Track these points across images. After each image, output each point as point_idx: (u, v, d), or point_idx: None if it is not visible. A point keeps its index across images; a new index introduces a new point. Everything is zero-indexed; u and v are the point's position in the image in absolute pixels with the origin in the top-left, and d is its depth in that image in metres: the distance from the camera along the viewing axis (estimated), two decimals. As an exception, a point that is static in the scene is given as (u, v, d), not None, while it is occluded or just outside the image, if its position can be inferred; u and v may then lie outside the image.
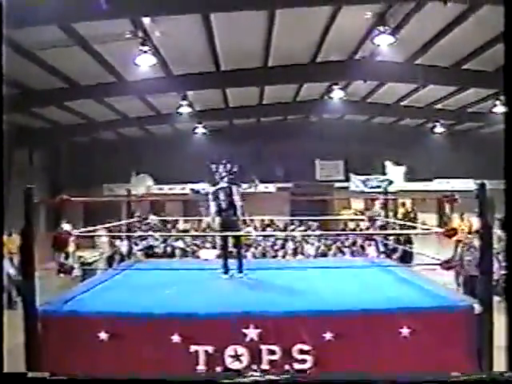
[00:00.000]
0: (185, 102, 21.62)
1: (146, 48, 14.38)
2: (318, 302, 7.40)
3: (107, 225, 10.54)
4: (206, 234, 18.57)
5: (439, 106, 24.57)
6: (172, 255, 16.17)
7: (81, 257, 14.88)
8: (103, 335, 6.65)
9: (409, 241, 19.33)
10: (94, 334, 6.65)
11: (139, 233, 16.00)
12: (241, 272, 9.02)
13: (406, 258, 14.10)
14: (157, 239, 16.86)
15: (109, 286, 8.65)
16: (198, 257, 15.50)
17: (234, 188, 9.36)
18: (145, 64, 15.20)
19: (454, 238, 16.84)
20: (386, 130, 29.17)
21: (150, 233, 17.87)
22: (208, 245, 16.35)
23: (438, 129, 29.41)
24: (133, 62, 14.99)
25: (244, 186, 9.38)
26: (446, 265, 7.89)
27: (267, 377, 2.85)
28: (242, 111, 25.37)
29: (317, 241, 16.68)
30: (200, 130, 28.45)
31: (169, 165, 28.41)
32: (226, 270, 9.04)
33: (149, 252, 15.50)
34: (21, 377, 3.06)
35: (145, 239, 16.29)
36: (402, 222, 19.21)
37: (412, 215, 27.31)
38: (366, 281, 8.97)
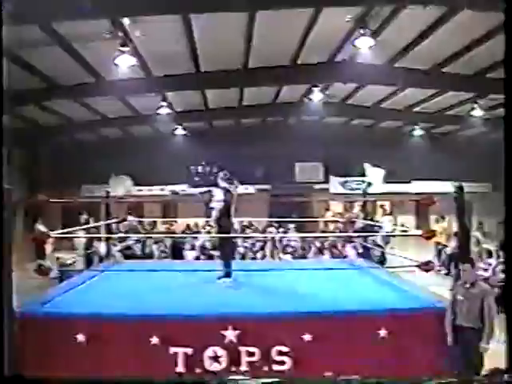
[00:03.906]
0: (164, 103, 21.54)
1: (125, 48, 14.31)
2: (297, 303, 7.44)
3: (85, 226, 10.49)
4: (185, 236, 18.53)
5: (418, 108, 24.76)
6: (151, 257, 16.11)
7: (59, 258, 14.74)
8: (81, 337, 6.63)
9: (386, 242, 19.55)
10: (71, 336, 6.62)
11: (118, 234, 15.92)
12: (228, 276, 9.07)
13: (383, 260, 14.23)
14: (136, 240, 16.78)
15: (87, 288, 8.61)
16: (184, 257, 15.47)
17: (219, 190, 9.34)
18: (124, 64, 15.13)
19: (436, 240, 17.11)
20: (365, 132, 29.30)
21: (129, 234, 17.79)
22: (187, 246, 16.30)
23: (417, 131, 29.61)
24: (112, 62, 14.92)
25: (224, 186, 9.36)
26: (425, 266, 7.97)
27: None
28: (221, 113, 25.34)
29: (296, 243, 16.70)
30: (180, 131, 28.36)
31: (148, 166, 28.27)
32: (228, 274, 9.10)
33: (127, 253, 15.40)
34: (20, 379, 3.10)
35: (123, 240, 16.19)
36: (379, 224, 19.38)
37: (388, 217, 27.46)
38: (344, 283, 9.03)
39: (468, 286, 7.03)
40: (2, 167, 4.56)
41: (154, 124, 25.88)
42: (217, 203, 9.19)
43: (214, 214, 9.14)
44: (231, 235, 9.83)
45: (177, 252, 16.26)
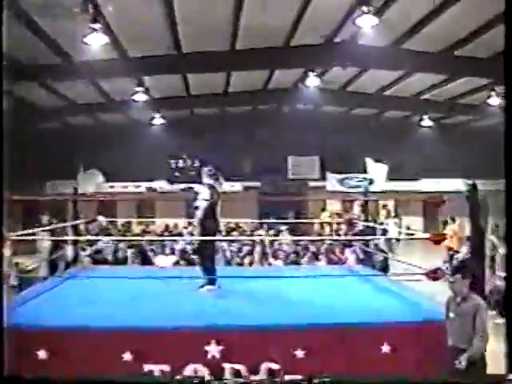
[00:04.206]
0: (141, 88, 21.44)
1: (96, 25, 14.20)
2: (289, 315, 7.42)
3: (50, 227, 10.43)
4: (163, 239, 18.45)
5: (427, 96, 24.82)
6: (124, 262, 16.02)
7: (18, 263, 14.63)
8: (42, 354, 6.57)
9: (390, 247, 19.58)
10: (31, 352, 6.56)
11: (86, 236, 15.83)
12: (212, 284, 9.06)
13: (386, 267, 14.24)
14: (107, 244, 16.69)
15: (51, 297, 8.55)
16: (153, 264, 15.38)
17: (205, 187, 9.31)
18: (95, 44, 15.01)
19: (446, 244, 17.14)
20: (367, 122, 29.35)
21: (100, 237, 17.69)
22: (166, 251, 16.24)
23: (426, 122, 29.65)
24: (82, 41, 14.81)
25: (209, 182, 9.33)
26: (434, 275, 7.97)
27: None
28: (205, 99, 25.30)
29: (289, 247, 16.68)
30: (158, 120, 28.27)
31: (122, 159, 28.20)
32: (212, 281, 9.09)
33: (97, 258, 15.31)
34: (19, 380, 3.40)
35: (93, 244, 16.10)
36: (382, 226, 19.41)
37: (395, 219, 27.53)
38: (342, 291, 9.02)
39: (459, 300, 6.66)
40: (3, 166, 4.69)
41: (129, 112, 25.80)
42: (201, 202, 9.14)
43: (198, 214, 9.09)
44: (216, 238, 9.80)
45: (145, 257, 16.16)
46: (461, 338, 6.54)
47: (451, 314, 6.72)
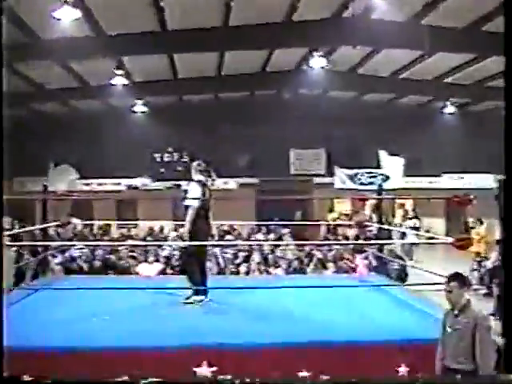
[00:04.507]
0: (120, 71, 21.41)
1: (68, -3, 14.17)
2: (291, 331, 7.40)
3: (15, 231, 10.39)
4: (147, 244, 18.45)
5: (450, 79, 24.79)
6: (101, 270, 15.99)
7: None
8: (24, 376, 6.53)
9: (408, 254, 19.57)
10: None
11: (58, 242, 15.80)
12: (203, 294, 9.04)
13: (404, 276, 14.22)
14: (82, 250, 16.66)
15: (15, 313, 8.50)
16: (136, 273, 15.37)
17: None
18: (66, 18, 14.94)
19: (472, 250, 17.10)
20: (381, 110, 29.31)
21: (74, 242, 17.67)
22: (150, 258, 16.21)
23: (449, 109, 29.64)
24: (50, 16, 14.75)
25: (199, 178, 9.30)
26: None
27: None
28: (194, 84, 25.24)
29: (291, 253, 16.66)
30: (140, 107, 28.25)
31: (99, 153, 28.18)
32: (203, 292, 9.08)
33: (71, 266, 15.28)
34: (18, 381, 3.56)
35: (66, 250, 16.07)
36: (398, 229, 19.39)
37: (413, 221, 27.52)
38: (353, 305, 9.00)
39: (456, 312, 6.51)
40: (2, 164, 4.89)
41: (107, 98, 25.77)
42: (191, 202, 9.10)
43: (188, 215, 9.05)
44: (208, 243, 9.79)
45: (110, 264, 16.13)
46: (455, 357, 6.39)
47: (448, 329, 6.59)
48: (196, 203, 9.02)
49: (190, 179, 9.42)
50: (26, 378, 3.62)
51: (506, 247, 5.35)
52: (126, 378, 5.84)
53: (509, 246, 5.13)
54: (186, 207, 9.15)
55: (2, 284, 5.73)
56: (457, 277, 6.75)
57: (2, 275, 5.52)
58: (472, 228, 19.59)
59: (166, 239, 19.73)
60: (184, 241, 9.38)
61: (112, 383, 3.84)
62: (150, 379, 3.05)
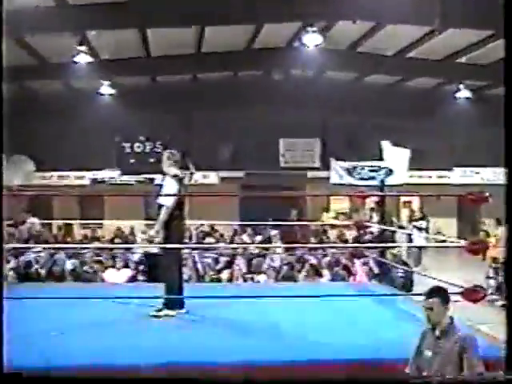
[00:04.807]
0: (83, 48, 21.28)
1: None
2: (279, 348, 7.39)
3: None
4: (114, 247, 18.39)
5: (464, 59, 24.80)
6: (62, 277, 15.94)
7: None
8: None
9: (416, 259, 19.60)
10: None
11: (11, 244, 15.73)
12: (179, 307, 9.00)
13: (410, 285, 14.24)
14: (39, 254, 16.61)
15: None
16: (102, 280, 15.34)
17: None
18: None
19: (488, 254, 17.13)
20: (384, 94, 29.37)
21: (29, 244, 17.60)
22: (118, 263, 16.18)
23: (463, 93, 29.62)
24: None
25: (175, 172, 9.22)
26: (472, 295, 7.93)
27: None
28: (170, 63, 25.18)
29: (281, 258, 16.68)
30: (107, 89, 28.16)
31: (59, 141, 28.09)
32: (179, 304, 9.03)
33: (26, 272, 15.23)
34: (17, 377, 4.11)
35: (21, 253, 16.01)
36: (403, 231, 19.40)
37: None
38: (351, 317, 9.00)
39: (438, 334, 6.31)
40: (2, 162, 5.06)
41: (69, 78, 25.65)
42: (165, 200, 9.03)
43: (161, 215, 8.98)
44: (185, 246, 9.75)
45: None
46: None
47: (427, 353, 6.36)
48: (171, 202, 8.93)
49: (164, 172, 9.34)
50: (26, 375, 3.90)
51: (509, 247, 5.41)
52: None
53: (509, 244, 5.35)
54: (160, 206, 9.07)
55: (2, 280, 5.79)
56: (438, 291, 6.59)
57: (1, 275, 5.65)
58: (473, 229, 19.67)
59: (136, 241, 19.69)
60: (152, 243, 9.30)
61: (112, 382, 4.02)
62: None
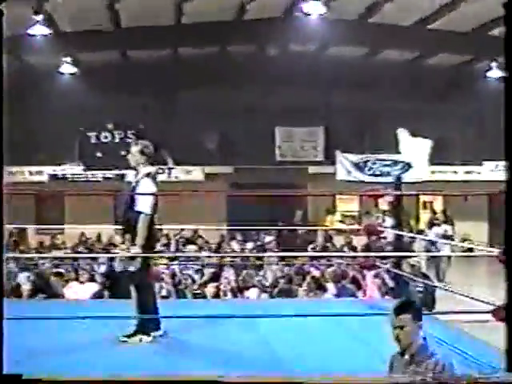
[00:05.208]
0: (39, 17, 21.26)
1: None
2: (276, 375, 7.39)
3: None
4: (77, 257, 18.40)
5: (497, 31, 24.81)
6: (17, 292, 15.94)
7: None
8: None
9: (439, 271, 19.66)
10: None
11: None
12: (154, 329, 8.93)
13: (431, 301, 14.26)
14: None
15: None
16: (62, 295, 15.34)
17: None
18: None
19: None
20: (400, 73, 29.34)
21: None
22: (83, 275, 16.18)
23: (494, 72, 29.58)
24: None
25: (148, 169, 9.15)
26: (504, 314, 7.94)
27: None
28: (144, 35, 25.19)
29: (277, 268, 16.71)
30: (68, 67, 28.10)
31: (11, 130, 27.98)
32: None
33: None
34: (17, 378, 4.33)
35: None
36: (424, 237, 19.42)
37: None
38: (362, 340, 9.02)
39: (407, 358, 6.15)
40: (2, 161, 5.21)
41: (22, 53, 25.62)
42: (144, 207, 8.89)
43: (140, 226, 8.84)
44: (159, 254, 9.72)
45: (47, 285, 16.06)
46: None
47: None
48: (150, 208, 8.80)
49: (136, 168, 9.18)
50: (25, 376, 4.04)
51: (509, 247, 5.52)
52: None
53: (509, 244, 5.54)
54: (137, 213, 8.86)
55: (2, 286, 5.86)
56: (408, 307, 6.45)
57: (1, 276, 5.77)
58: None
59: (104, 250, 19.66)
60: (132, 259, 8.98)
61: (112, 382, 4.10)
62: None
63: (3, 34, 5.54)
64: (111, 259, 15.44)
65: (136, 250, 8.72)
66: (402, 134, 28.83)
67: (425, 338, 6.21)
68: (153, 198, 8.86)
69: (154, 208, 8.83)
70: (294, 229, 23.71)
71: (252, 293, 15.46)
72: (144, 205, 8.83)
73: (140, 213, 8.78)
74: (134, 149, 9.19)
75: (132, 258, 8.72)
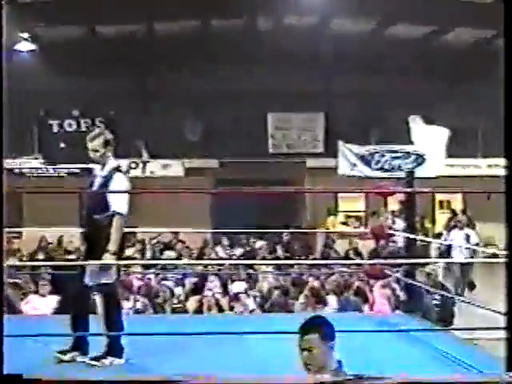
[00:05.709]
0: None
1: None
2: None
3: None
4: (36, 265, 18.37)
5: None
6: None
7: None
8: None
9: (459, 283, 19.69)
10: None
11: None
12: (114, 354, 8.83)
13: (450, 316, 14.27)
14: None
15: None
16: (19, 311, 15.30)
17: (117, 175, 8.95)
18: None
19: None
20: (412, 51, 29.37)
21: None
22: (43, 287, 16.15)
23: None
24: None
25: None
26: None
27: None
28: (114, 7, 25.17)
29: (268, 278, 16.73)
30: (25, 44, 28.08)
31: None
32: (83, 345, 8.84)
33: None
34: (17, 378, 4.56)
35: None
36: (441, 241, 19.45)
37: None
38: (368, 361, 9.00)
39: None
40: (2, 160, 5.76)
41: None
42: (120, 206, 8.82)
43: (115, 228, 8.77)
44: (132, 262, 9.69)
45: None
46: None
47: None
48: (125, 208, 8.70)
49: (105, 163, 9.01)
50: (26, 376, 4.63)
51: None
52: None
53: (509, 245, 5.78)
54: (107, 215, 8.78)
55: (3, 285, 5.88)
56: (315, 325, 6.29)
57: (1, 276, 5.82)
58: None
59: (71, 258, 19.64)
60: (106, 269, 8.79)
61: (113, 383, 4.24)
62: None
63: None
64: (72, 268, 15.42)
65: (110, 259, 8.48)
66: (415, 122, 28.77)
67: (340, 362, 6.01)
68: (126, 189, 8.76)
69: (126, 203, 8.70)
70: (290, 232, 23.71)
71: (240, 306, 15.44)
72: (119, 204, 8.66)
73: (113, 214, 8.64)
74: (97, 142, 8.94)
75: (105, 269, 8.56)
